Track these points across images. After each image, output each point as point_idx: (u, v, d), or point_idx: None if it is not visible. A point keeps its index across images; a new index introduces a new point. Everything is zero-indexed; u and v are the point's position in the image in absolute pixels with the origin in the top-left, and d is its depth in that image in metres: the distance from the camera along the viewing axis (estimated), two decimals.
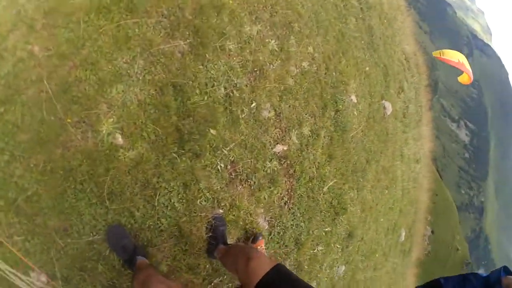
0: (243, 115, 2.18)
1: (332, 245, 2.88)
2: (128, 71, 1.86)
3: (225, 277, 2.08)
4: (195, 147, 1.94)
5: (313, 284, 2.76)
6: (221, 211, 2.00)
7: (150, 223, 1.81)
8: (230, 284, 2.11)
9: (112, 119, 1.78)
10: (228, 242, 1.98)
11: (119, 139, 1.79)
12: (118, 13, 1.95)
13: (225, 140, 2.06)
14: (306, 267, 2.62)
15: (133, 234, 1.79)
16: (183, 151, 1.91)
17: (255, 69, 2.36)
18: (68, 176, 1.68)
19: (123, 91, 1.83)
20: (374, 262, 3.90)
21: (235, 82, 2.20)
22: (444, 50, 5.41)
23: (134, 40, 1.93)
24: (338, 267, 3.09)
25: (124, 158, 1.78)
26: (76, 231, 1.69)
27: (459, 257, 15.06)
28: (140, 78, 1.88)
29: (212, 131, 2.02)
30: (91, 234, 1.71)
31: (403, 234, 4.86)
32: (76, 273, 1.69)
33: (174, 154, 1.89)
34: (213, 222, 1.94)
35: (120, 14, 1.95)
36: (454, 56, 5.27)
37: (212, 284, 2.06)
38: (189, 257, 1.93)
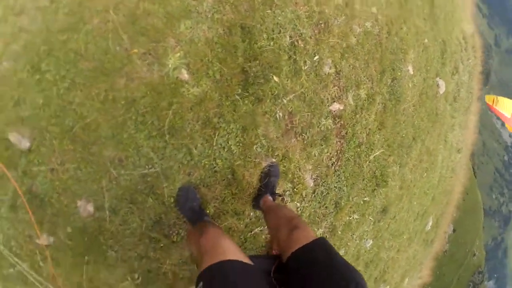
0: (306, 67, 2.15)
1: (367, 216, 2.92)
2: (197, 8, 1.83)
3: (265, 227, 2.16)
4: (258, 91, 1.95)
5: (341, 251, 2.84)
6: (274, 160, 2.04)
7: (206, 162, 1.87)
8: (269, 236, 2.19)
9: (179, 54, 1.78)
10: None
11: (185, 75, 1.80)
12: None
13: (286, 90, 2.06)
14: (339, 232, 2.69)
15: (187, 171, 1.85)
16: (246, 94, 1.92)
17: (320, 22, 2.29)
18: (130, 107, 1.69)
19: (191, 27, 1.81)
20: (399, 244, 3.96)
21: (301, 32, 2.15)
22: (500, 98, 4.86)
23: None
24: (366, 240, 3.15)
25: (188, 94, 1.80)
26: (132, 162, 1.72)
27: (474, 264, 14.95)
28: (209, 16, 1.86)
29: (275, 78, 2.01)
30: (146, 166, 1.75)
31: (430, 223, 4.86)
32: (125, 205, 1.74)
33: (237, 96, 1.91)
34: (268, 169, 1.98)
35: None
36: (509, 108, 4.75)
37: (253, 232, 2.15)
38: (237, 202, 1.99)
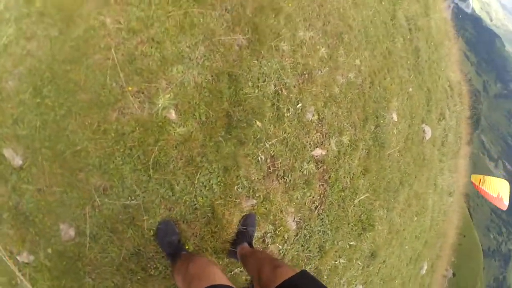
0: (288, 114, 2.22)
1: (354, 260, 2.81)
2: (190, 54, 1.96)
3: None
4: (241, 134, 2.00)
5: None
6: (254, 201, 2.03)
7: (187, 199, 1.87)
8: (249, 278, 2.11)
9: (169, 95, 1.87)
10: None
11: (173, 115, 1.88)
12: (186, 2, 2.07)
13: (268, 134, 2.10)
14: (325, 277, 2.57)
15: (168, 206, 1.85)
16: (229, 136, 1.97)
17: (304, 72, 2.41)
18: (119, 140, 1.74)
19: (182, 71, 1.92)
20: None
21: (285, 81, 2.25)
22: (486, 178, 4.81)
23: (198, 28, 2.04)
24: (356, 285, 2.99)
25: (174, 133, 1.86)
26: (116, 192, 1.74)
27: None
28: (200, 63, 1.98)
29: (258, 123, 2.07)
30: (129, 198, 1.76)
31: (425, 267, 4.63)
32: (105, 233, 1.74)
33: (221, 138, 1.95)
34: (245, 219, 1.97)
35: (188, 3, 2.07)
36: (495, 188, 4.71)
37: (232, 273, 2.07)
38: (216, 240, 1.96)
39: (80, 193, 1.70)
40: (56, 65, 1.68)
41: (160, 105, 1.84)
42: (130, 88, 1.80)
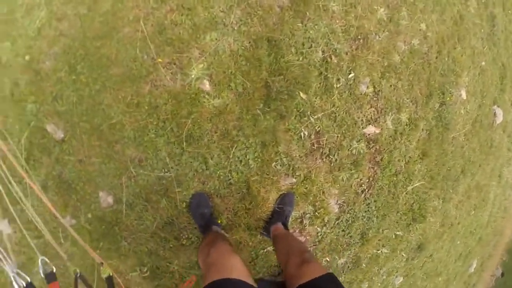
0: (338, 85, 1.88)
1: (398, 251, 2.48)
2: (224, 20, 1.70)
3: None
4: (281, 107, 1.73)
5: (365, 285, 2.43)
6: (294, 180, 1.78)
7: (221, 174, 1.69)
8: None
9: (202, 65, 1.66)
10: (289, 225, 1.78)
11: (207, 85, 1.67)
12: None
13: (314, 107, 1.80)
14: (364, 265, 2.30)
15: (202, 179, 1.71)
16: (268, 109, 1.72)
17: (359, 37, 2.01)
18: (152, 113, 1.64)
19: (216, 39, 1.69)
20: (434, 285, 3.34)
21: (335, 47, 1.89)
22: None
23: None
24: (396, 276, 2.68)
25: (209, 104, 1.67)
26: (150, 164, 1.67)
27: None
28: (236, 28, 1.71)
29: (302, 94, 1.77)
30: (163, 170, 1.67)
31: (474, 265, 4.09)
32: (140, 202, 1.70)
33: (259, 111, 1.71)
34: (283, 198, 1.75)
35: None
36: None
37: (265, 250, 1.90)
38: (250, 217, 1.78)
39: (116, 164, 1.67)
40: (87, 42, 1.63)
41: (193, 76, 1.65)
42: (160, 60, 1.64)
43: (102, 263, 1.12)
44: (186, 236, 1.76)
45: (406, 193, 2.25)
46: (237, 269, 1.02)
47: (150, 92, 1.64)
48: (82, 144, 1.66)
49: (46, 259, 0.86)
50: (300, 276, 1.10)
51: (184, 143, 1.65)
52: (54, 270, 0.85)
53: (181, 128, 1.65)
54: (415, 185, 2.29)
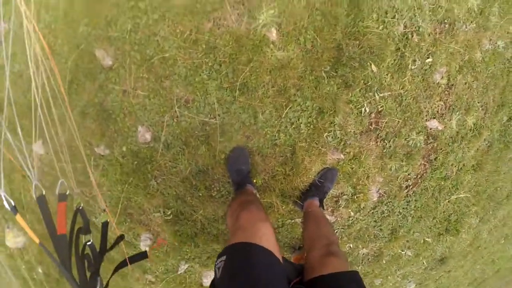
0: (413, 67, 1.58)
1: (421, 258, 2.21)
2: None
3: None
4: (348, 75, 1.48)
5: (378, 281, 2.21)
6: (342, 156, 1.55)
7: (268, 132, 1.49)
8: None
9: (273, 11, 1.41)
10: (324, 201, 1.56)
11: (273, 34, 1.43)
12: None
13: (382, 84, 1.53)
14: (384, 261, 2.07)
15: (247, 133, 1.51)
16: (334, 74, 1.47)
17: (445, 21, 1.67)
18: (209, 53, 1.43)
19: None
20: None
21: (419, 24, 1.58)
22: None
23: None
24: (409, 282, 2.43)
25: (271, 55, 1.43)
26: (196, 107, 1.48)
27: None
28: None
29: (373, 66, 1.51)
30: (209, 115, 1.48)
31: None
32: (178, 144, 1.53)
33: (324, 73, 1.46)
34: (326, 172, 1.54)
35: None
36: None
37: (293, 221, 1.71)
38: (287, 184, 1.58)
39: (162, 101, 1.48)
40: None
41: (260, 21, 1.40)
42: None
43: (104, 210, 1.03)
44: (218, 188, 1.59)
45: (448, 201, 1.96)
46: (267, 239, 0.86)
47: (211, 31, 1.41)
48: (129, 74, 1.48)
49: (65, 182, 0.87)
50: (321, 266, 0.95)
51: (237, 91, 1.44)
52: (67, 193, 0.86)
53: (237, 75, 1.43)
54: (460, 196, 1.98)
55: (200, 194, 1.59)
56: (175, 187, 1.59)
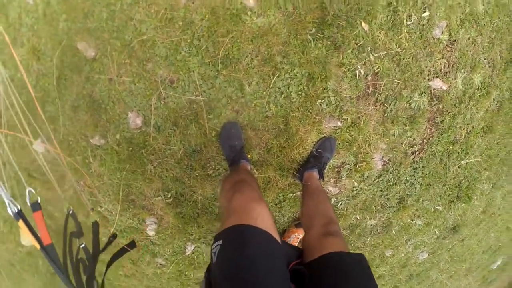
0: (409, 23, 1.24)
1: (432, 227, 1.84)
2: None
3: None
4: (337, 35, 1.17)
5: (388, 252, 1.87)
6: (339, 123, 1.24)
7: (258, 104, 1.21)
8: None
9: None
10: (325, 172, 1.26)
11: (250, 1, 1.15)
12: None
13: (376, 43, 1.21)
14: (393, 232, 1.72)
15: (235, 108, 1.24)
16: (320, 36, 1.16)
17: None
18: (186, 29, 1.19)
19: None
20: (455, 270, 2.61)
21: None
22: None
23: None
24: (422, 252, 2.05)
25: (251, 23, 1.15)
26: (181, 86, 1.24)
27: None
28: None
29: (364, 24, 1.18)
30: (195, 93, 1.24)
31: (498, 263, 3.21)
32: (169, 126, 1.31)
33: (309, 36, 1.16)
34: (323, 142, 1.24)
35: None
36: None
37: (294, 194, 1.42)
38: (284, 156, 1.29)
39: (147, 84, 1.27)
40: None
41: None
42: None
43: (92, 209, 0.91)
44: (213, 166, 1.34)
45: (458, 167, 1.58)
46: (262, 219, 0.70)
47: (186, 6, 1.17)
48: (112, 62, 1.27)
49: (33, 190, 0.72)
50: (321, 246, 0.76)
51: (220, 65, 1.18)
52: (39, 201, 0.72)
53: (218, 48, 1.17)
54: (470, 161, 1.60)
55: (197, 174, 1.35)
56: (171, 169, 1.36)
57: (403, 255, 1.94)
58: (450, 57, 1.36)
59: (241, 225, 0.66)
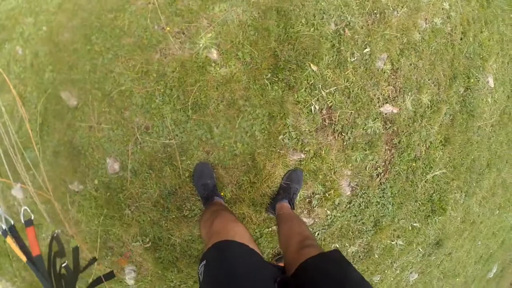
0: (353, 59, 1.49)
1: (415, 245, 1.97)
2: None
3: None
4: (290, 78, 1.38)
5: (376, 277, 1.95)
6: (302, 155, 1.41)
7: (226, 144, 1.37)
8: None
9: (210, 34, 1.38)
10: (296, 203, 1.40)
11: (214, 54, 1.39)
12: None
13: (325, 81, 1.43)
14: (376, 256, 1.83)
15: (206, 149, 1.40)
16: (276, 79, 1.38)
17: (375, 11, 1.61)
18: (160, 80, 1.40)
19: (225, 9, 1.41)
20: (451, 286, 2.71)
21: (349, 20, 1.51)
22: None
23: None
24: (411, 272, 2.15)
25: (216, 73, 1.37)
26: (156, 131, 1.41)
27: None
28: None
29: (312, 66, 1.42)
30: (168, 137, 1.41)
31: (494, 270, 3.33)
32: (145, 169, 1.44)
33: (266, 81, 1.38)
34: (290, 174, 1.39)
35: None
36: None
37: (270, 229, 1.53)
38: (255, 192, 1.43)
39: (124, 130, 1.43)
40: (103, 15, 1.44)
41: (201, 45, 1.37)
42: (168, 28, 1.40)
43: (73, 236, 1.06)
44: (189, 207, 1.45)
45: (425, 182, 1.77)
46: (240, 235, 0.81)
47: (159, 61, 1.39)
48: (93, 111, 1.44)
49: (27, 209, 0.88)
50: (299, 257, 0.82)
51: (190, 110, 1.36)
52: (32, 218, 0.87)
53: (187, 96, 1.37)
54: (436, 173, 1.80)
55: (173, 216, 1.45)
56: (148, 213, 1.45)
57: (392, 279, 2.03)
58: (395, 83, 1.60)
59: (221, 242, 0.76)
